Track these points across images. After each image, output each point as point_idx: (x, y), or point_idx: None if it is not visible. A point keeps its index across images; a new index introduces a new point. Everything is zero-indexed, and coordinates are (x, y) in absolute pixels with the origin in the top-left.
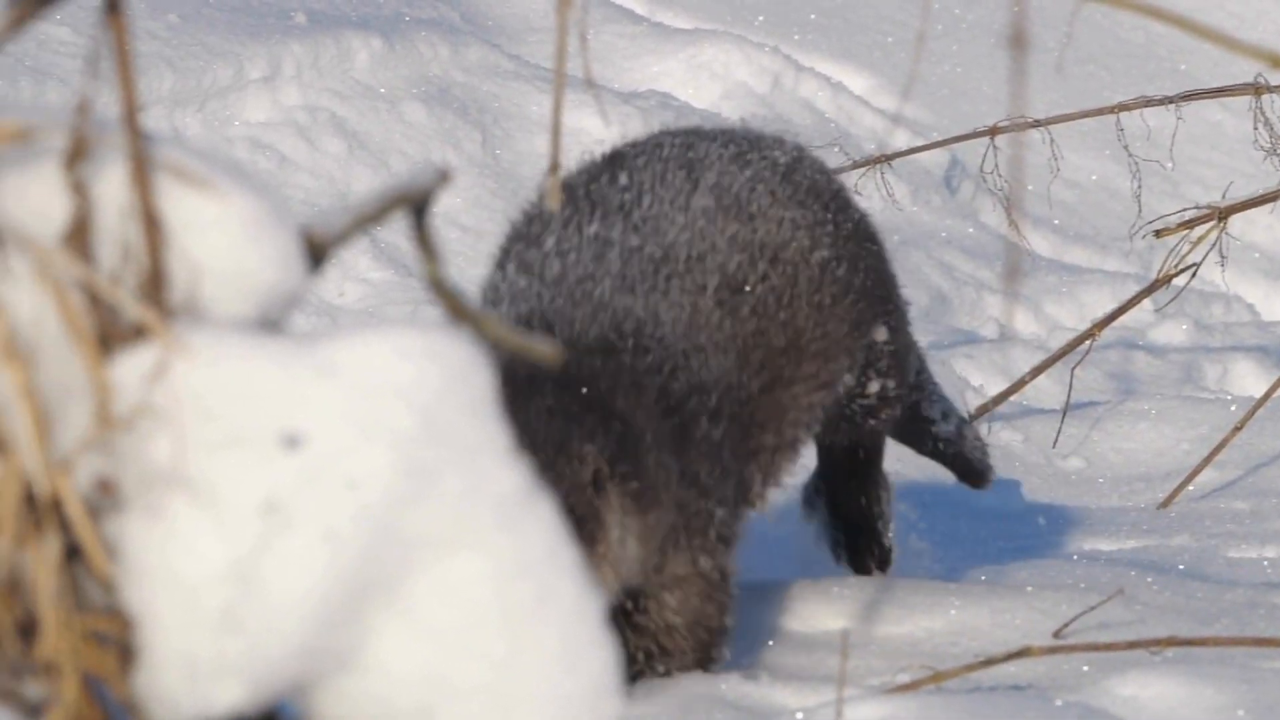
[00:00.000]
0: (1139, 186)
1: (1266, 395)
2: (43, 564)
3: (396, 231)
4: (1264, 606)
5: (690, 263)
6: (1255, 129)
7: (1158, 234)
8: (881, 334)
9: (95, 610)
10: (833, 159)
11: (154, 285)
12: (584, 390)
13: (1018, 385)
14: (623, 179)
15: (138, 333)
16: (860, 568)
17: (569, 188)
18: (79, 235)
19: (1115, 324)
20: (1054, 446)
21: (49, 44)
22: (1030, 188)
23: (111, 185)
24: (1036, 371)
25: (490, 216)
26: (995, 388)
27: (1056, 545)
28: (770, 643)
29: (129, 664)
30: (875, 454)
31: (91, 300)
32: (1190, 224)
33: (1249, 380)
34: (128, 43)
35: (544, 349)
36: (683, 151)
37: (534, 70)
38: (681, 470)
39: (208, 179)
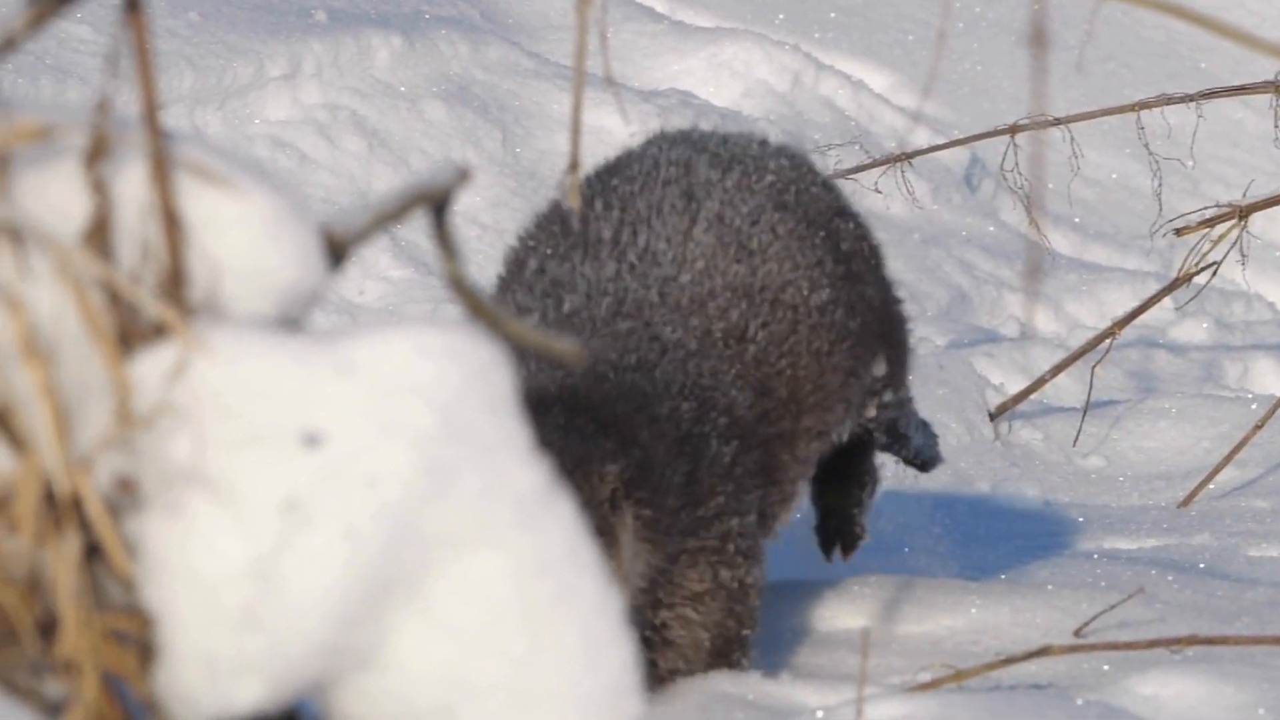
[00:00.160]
0: (1159, 184)
1: None
2: (63, 562)
3: (417, 230)
4: None
5: (692, 303)
6: (1276, 127)
7: (1178, 232)
8: (880, 368)
9: (115, 609)
10: (853, 157)
11: (174, 283)
12: (602, 412)
13: (1038, 384)
14: (615, 210)
15: (158, 331)
16: (827, 550)
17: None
18: (99, 234)
19: (1136, 322)
20: (1074, 445)
21: (69, 42)
22: (1051, 186)
23: (132, 183)
24: (1057, 370)
25: (510, 215)
26: (1015, 386)
27: (1077, 544)
28: (791, 641)
29: (149, 662)
30: (866, 450)
31: (112, 299)
32: (1211, 222)
33: (1270, 378)
34: (148, 41)
35: (565, 348)
36: (682, 174)
37: (554, 68)
38: (696, 490)
39: (228, 177)
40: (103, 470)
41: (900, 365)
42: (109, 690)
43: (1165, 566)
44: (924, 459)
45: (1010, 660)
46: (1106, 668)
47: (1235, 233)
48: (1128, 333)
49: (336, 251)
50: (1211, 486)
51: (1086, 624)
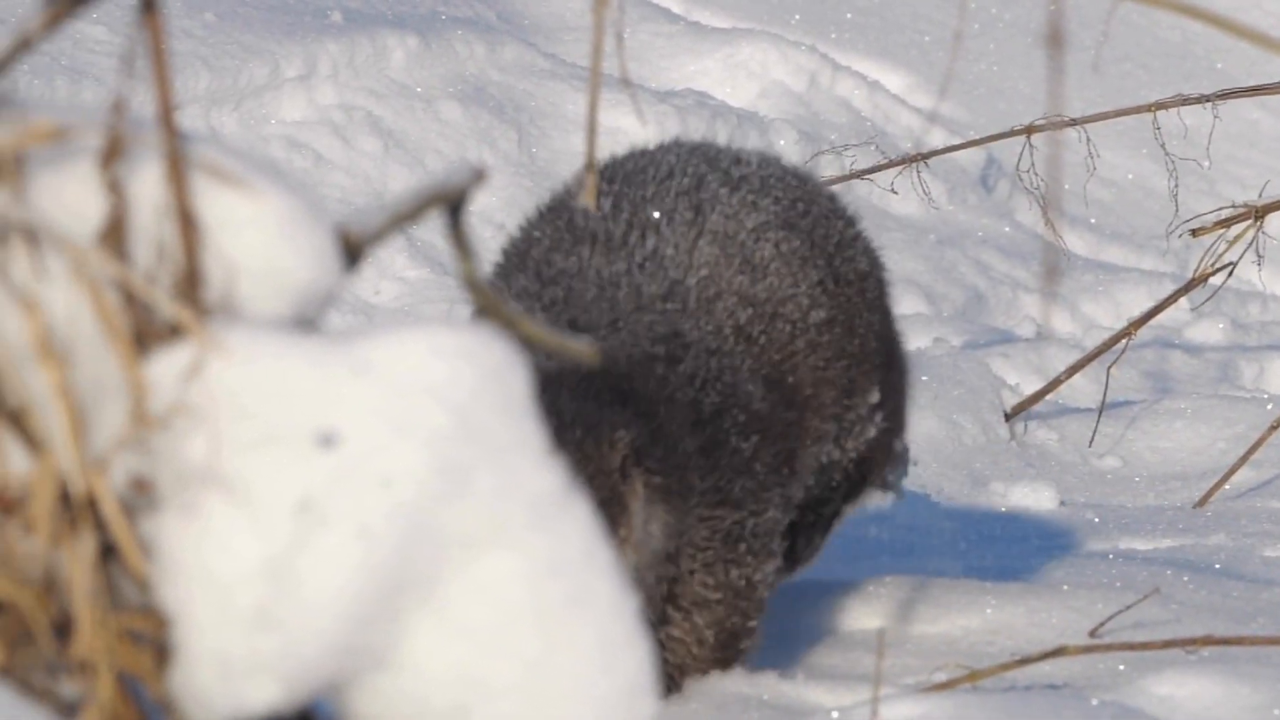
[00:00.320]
0: (1175, 185)
1: None
2: (78, 563)
3: (432, 230)
4: None
5: (700, 304)
6: None
7: (1194, 233)
8: (875, 396)
9: (130, 609)
10: (869, 157)
11: (189, 284)
12: (619, 382)
13: (1054, 384)
14: (625, 212)
15: (173, 331)
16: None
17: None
18: (115, 234)
19: (1151, 323)
20: (1090, 445)
21: (85, 43)
22: (1067, 186)
23: (147, 184)
24: (1072, 370)
25: (526, 215)
26: (1031, 387)
27: (1092, 544)
28: (806, 642)
29: (164, 662)
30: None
31: (127, 299)
32: (1227, 223)
33: None
34: (164, 42)
35: (580, 348)
36: (694, 186)
37: (570, 69)
38: (713, 485)
39: (243, 178)
40: (118, 470)
41: (896, 396)
42: (124, 690)
43: (1181, 567)
44: (891, 490)
45: (1025, 661)
46: (1122, 668)
47: (1251, 233)
48: (1143, 333)
49: (352, 252)
50: (1227, 487)
51: (1102, 624)
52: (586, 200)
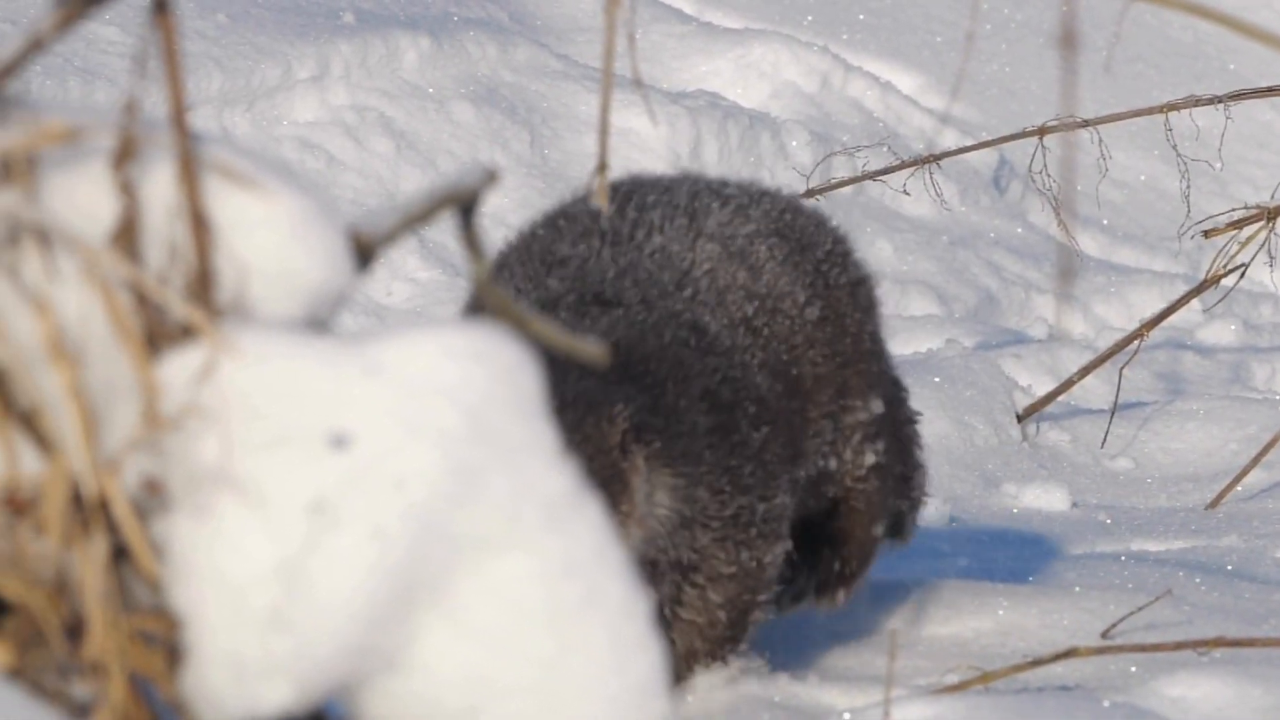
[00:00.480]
0: (1188, 186)
1: None
2: (90, 564)
3: (444, 231)
4: None
5: (710, 294)
6: None
7: (1206, 234)
8: (878, 406)
9: (142, 610)
10: (881, 158)
11: (201, 285)
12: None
13: (1066, 385)
14: (631, 213)
15: (185, 332)
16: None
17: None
18: (127, 235)
19: (1164, 324)
20: (1102, 447)
21: (97, 44)
22: (1079, 188)
23: (159, 185)
24: (1085, 371)
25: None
26: (1043, 388)
27: (1104, 546)
28: (818, 643)
29: (176, 664)
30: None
31: (139, 300)
32: (1239, 224)
33: None
34: (176, 42)
35: (592, 349)
36: (688, 201)
37: (582, 70)
38: (724, 463)
39: (255, 179)
40: (130, 472)
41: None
42: (136, 692)
43: (1193, 568)
44: (901, 527)
45: (1037, 662)
46: (1134, 669)
47: (1263, 234)
48: (1156, 334)
49: (364, 253)
50: (1239, 488)
51: (1114, 626)
52: (599, 201)
